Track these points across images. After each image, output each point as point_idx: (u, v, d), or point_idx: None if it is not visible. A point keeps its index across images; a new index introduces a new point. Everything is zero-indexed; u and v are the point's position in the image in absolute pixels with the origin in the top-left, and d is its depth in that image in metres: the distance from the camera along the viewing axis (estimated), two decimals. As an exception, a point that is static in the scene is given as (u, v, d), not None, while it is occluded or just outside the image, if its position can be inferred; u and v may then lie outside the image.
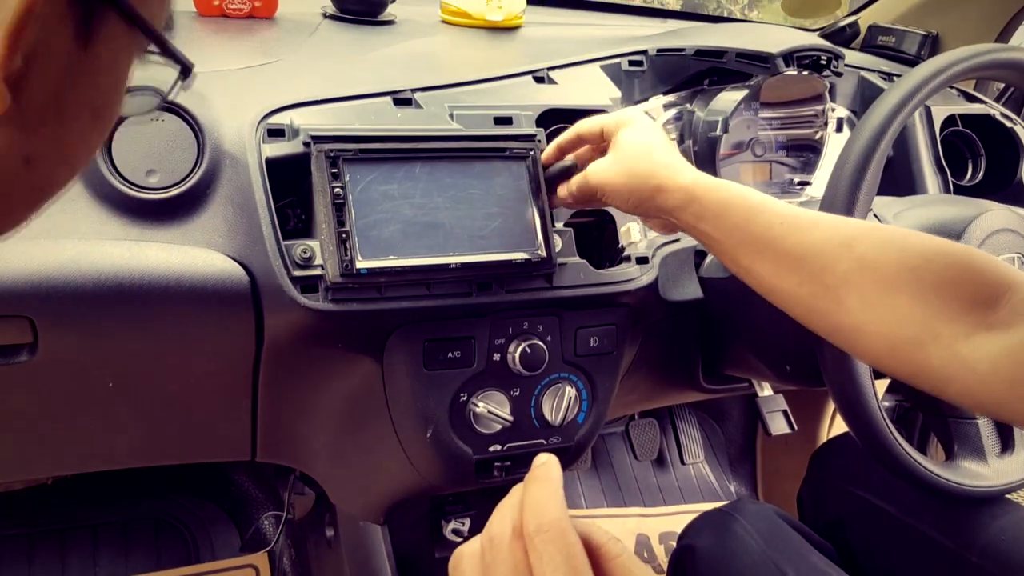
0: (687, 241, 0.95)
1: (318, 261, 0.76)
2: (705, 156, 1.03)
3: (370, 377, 0.85)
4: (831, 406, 1.60)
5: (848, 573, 0.89)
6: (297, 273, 0.75)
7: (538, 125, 0.88)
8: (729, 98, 1.02)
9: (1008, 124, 1.17)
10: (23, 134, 0.28)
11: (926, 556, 0.93)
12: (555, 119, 0.91)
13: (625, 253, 0.92)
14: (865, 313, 0.63)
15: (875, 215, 0.88)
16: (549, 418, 0.89)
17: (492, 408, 0.86)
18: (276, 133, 0.79)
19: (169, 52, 0.34)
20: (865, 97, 1.17)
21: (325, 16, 1.09)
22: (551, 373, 0.89)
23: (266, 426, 0.93)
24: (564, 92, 0.96)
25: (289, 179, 0.78)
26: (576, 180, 0.81)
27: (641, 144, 0.76)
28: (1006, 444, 0.93)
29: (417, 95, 0.88)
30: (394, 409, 0.86)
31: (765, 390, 1.09)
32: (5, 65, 0.26)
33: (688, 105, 1.06)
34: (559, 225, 0.87)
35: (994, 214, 0.88)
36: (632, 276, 0.90)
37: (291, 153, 0.77)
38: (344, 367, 0.86)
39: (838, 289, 0.64)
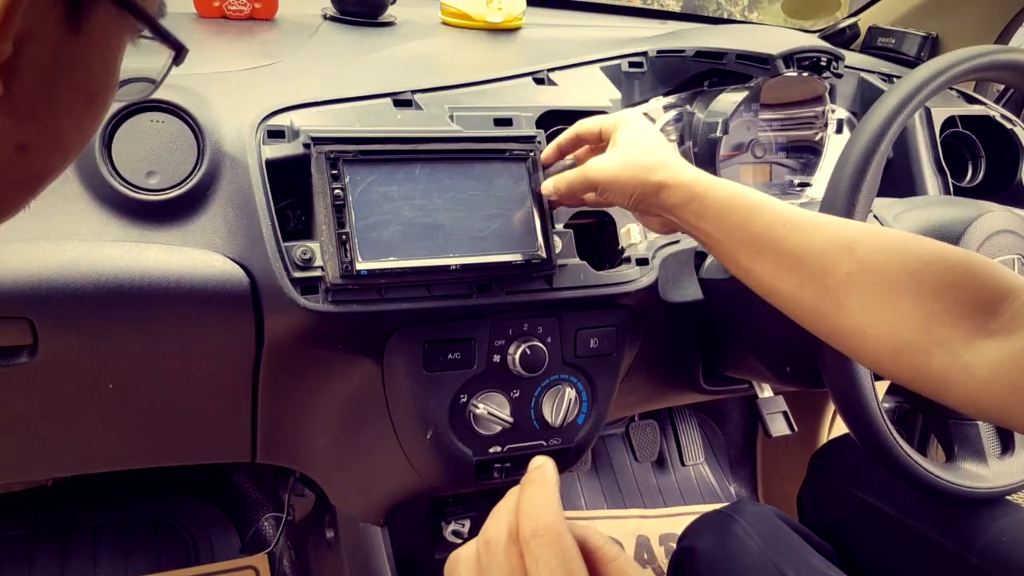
0: (687, 242, 0.95)
1: (318, 262, 0.76)
2: (705, 157, 1.03)
3: (370, 378, 0.85)
4: (831, 407, 1.60)
5: (848, 574, 0.88)
6: (297, 274, 0.75)
7: (538, 126, 0.88)
8: (729, 99, 1.02)
9: (1008, 125, 1.17)
10: (15, 121, 0.28)
11: (926, 557, 0.93)
12: (555, 120, 0.91)
13: (625, 254, 0.92)
14: (865, 316, 0.63)
15: (875, 216, 0.88)
16: (549, 419, 0.89)
17: (492, 409, 0.86)
18: (276, 134, 0.79)
19: (161, 34, 0.34)
20: (865, 98, 1.17)
21: (325, 18, 1.09)
22: (551, 374, 0.89)
23: (266, 427, 0.93)
24: (564, 93, 0.96)
25: (289, 180, 0.78)
26: (573, 175, 0.79)
27: (642, 141, 0.76)
28: (1006, 446, 0.93)
29: (417, 96, 0.88)
30: (394, 410, 0.86)
31: (765, 391, 1.08)
32: None
33: (688, 106, 1.06)
34: (559, 226, 0.87)
35: (994, 215, 0.88)
36: (632, 277, 0.90)
37: (291, 154, 0.77)
38: (344, 368, 0.86)
39: (838, 291, 0.64)
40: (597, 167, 0.77)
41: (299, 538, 1.48)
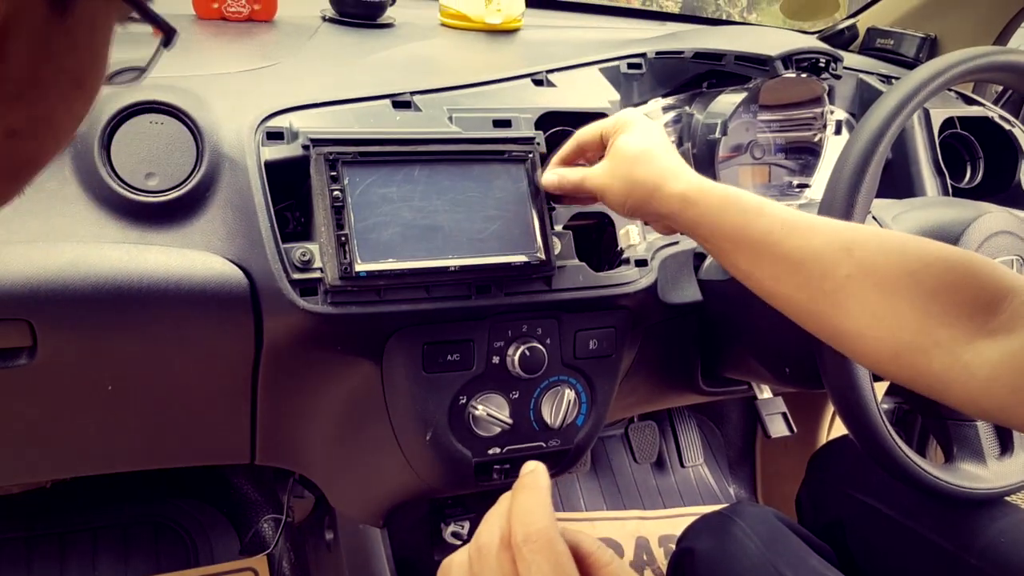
0: (686, 243, 0.95)
1: (317, 264, 0.76)
2: (704, 159, 1.03)
3: (369, 380, 0.85)
4: (830, 408, 1.60)
5: (847, 576, 0.89)
6: (296, 276, 0.75)
7: (537, 128, 0.88)
8: (728, 100, 1.03)
9: (1006, 126, 1.17)
10: (3, 106, 0.27)
11: (925, 558, 0.93)
12: (554, 122, 0.91)
13: (624, 256, 0.92)
14: (865, 318, 0.63)
15: (874, 217, 0.88)
16: (548, 421, 0.89)
17: (491, 411, 0.86)
18: (275, 136, 0.79)
19: (150, 16, 0.34)
20: (864, 100, 1.17)
21: (324, 19, 1.09)
22: (550, 376, 0.89)
23: (265, 429, 0.93)
24: (563, 95, 0.96)
25: (288, 182, 0.78)
26: (573, 179, 0.80)
27: (637, 149, 0.75)
28: (1005, 446, 0.93)
29: (416, 98, 0.88)
30: (393, 412, 0.86)
31: (764, 392, 1.08)
32: None
33: (687, 108, 1.06)
34: (558, 228, 0.87)
35: (993, 216, 0.88)
36: (631, 279, 0.90)
37: (290, 156, 0.77)
38: (343, 370, 0.86)
39: (837, 294, 0.64)
40: (593, 177, 0.78)
41: (298, 540, 1.48)
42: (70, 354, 0.76)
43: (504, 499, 0.48)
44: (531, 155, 0.84)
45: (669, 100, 1.07)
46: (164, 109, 0.76)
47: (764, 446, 1.83)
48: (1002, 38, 1.36)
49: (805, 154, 1.11)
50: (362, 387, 0.87)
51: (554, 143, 0.88)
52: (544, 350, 0.87)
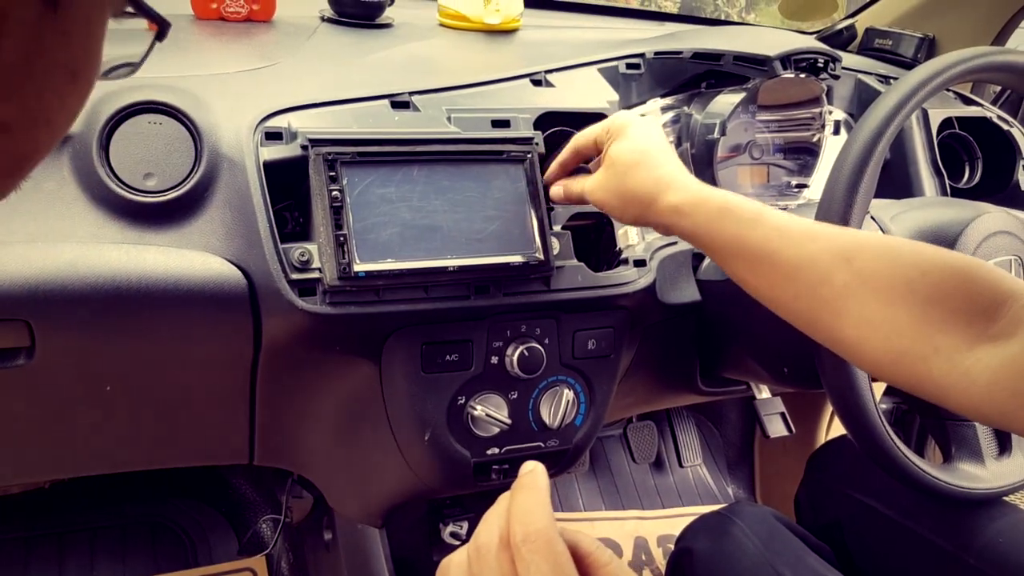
0: (685, 244, 0.95)
1: (316, 264, 0.76)
2: (703, 159, 1.03)
3: (368, 380, 0.85)
4: (829, 409, 1.60)
5: (846, 576, 0.89)
6: (295, 276, 0.75)
7: (536, 128, 0.88)
8: (726, 101, 1.03)
9: (1004, 127, 1.17)
10: None
11: (924, 558, 0.93)
12: (553, 122, 0.91)
13: (623, 256, 0.92)
14: (863, 325, 0.63)
15: (872, 217, 0.88)
16: (547, 421, 0.89)
17: (490, 411, 0.86)
18: (274, 136, 0.79)
19: (144, 9, 0.34)
20: (862, 100, 1.18)
21: (323, 19, 1.09)
22: (549, 376, 0.89)
23: (264, 429, 0.93)
24: (562, 95, 0.96)
25: (287, 182, 0.78)
26: (576, 190, 0.81)
27: (629, 160, 0.75)
28: (1003, 446, 0.93)
29: (415, 98, 0.88)
30: (392, 412, 0.86)
31: (763, 393, 1.09)
32: None
33: (686, 108, 1.06)
34: (557, 228, 0.87)
35: (991, 216, 0.88)
36: (630, 279, 0.90)
37: (289, 156, 0.77)
38: (342, 370, 0.86)
39: (836, 301, 0.64)
40: (592, 190, 0.79)
41: (297, 540, 1.48)
42: (69, 354, 0.76)
43: (503, 499, 0.48)
44: (530, 155, 0.84)
45: (668, 100, 1.07)
46: (163, 109, 0.76)
47: (763, 446, 1.83)
48: (1000, 38, 1.36)
49: (804, 154, 1.11)
50: (361, 387, 0.87)
51: (553, 143, 0.88)
52: (543, 350, 0.87)
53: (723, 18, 4.93)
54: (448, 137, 0.82)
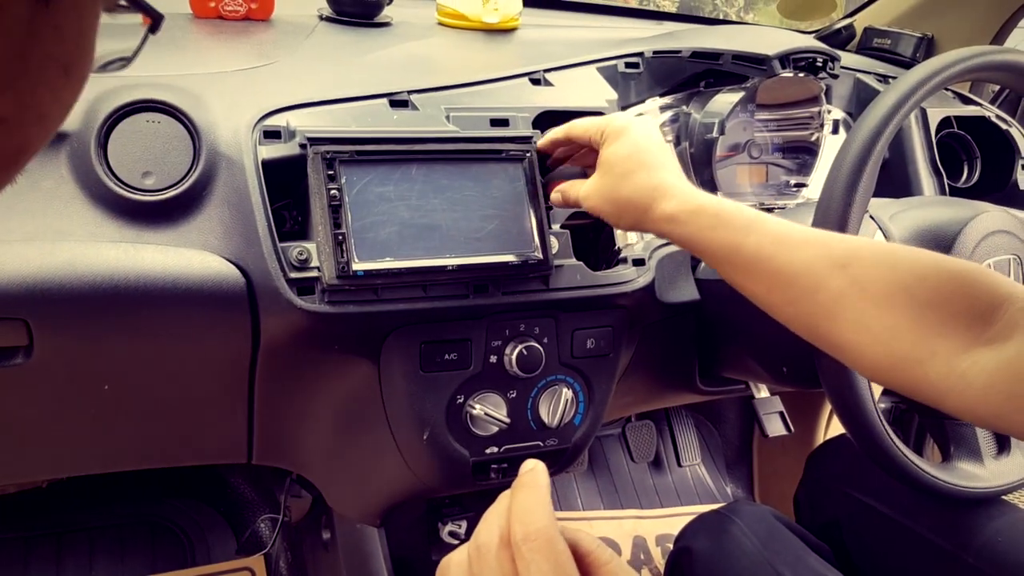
0: (683, 243, 0.95)
1: (314, 263, 0.75)
2: (701, 158, 1.03)
3: (367, 379, 0.85)
4: (827, 408, 1.60)
5: (845, 575, 0.89)
6: (293, 275, 0.75)
7: (534, 127, 0.88)
8: (725, 100, 1.03)
9: (1003, 126, 1.17)
10: None
11: (923, 558, 0.93)
12: (551, 121, 0.91)
13: (622, 255, 0.92)
14: (860, 330, 0.63)
15: (871, 217, 0.88)
16: (546, 420, 0.89)
17: (489, 410, 0.86)
18: (272, 135, 0.79)
19: (136, 2, 0.34)
20: (861, 99, 1.18)
21: (321, 18, 1.09)
22: (548, 375, 0.89)
23: (262, 428, 0.93)
24: (560, 94, 0.96)
25: (285, 181, 0.78)
26: (573, 197, 0.81)
27: (624, 167, 0.75)
28: (1002, 446, 0.93)
29: (413, 97, 0.88)
30: (391, 411, 0.86)
31: (762, 392, 1.08)
32: None
33: (684, 107, 1.06)
34: (556, 227, 0.87)
35: (990, 215, 0.88)
36: (629, 278, 0.90)
37: (287, 155, 0.77)
38: (340, 369, 0.85)
39: (832, 307, 0.64)
40: (586, 196, 0.79)
41: (295, 539, 1.48)
42: (67, 353, 0.76)
43: (503, 498, 0.48)
44: (528, 154, 0.84)
45: (666, 99, 1.07)
46: (161, 108, 0.76)
47: (761, 445, 1.83)
48: (999, 38, 1.37)
49: (802, 153, 1.11)
50: (359, 386, 0.87)
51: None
52: (542, 349, 0.86)
53: (722, 17, 4.93)
54: (447, 136, 0.82)
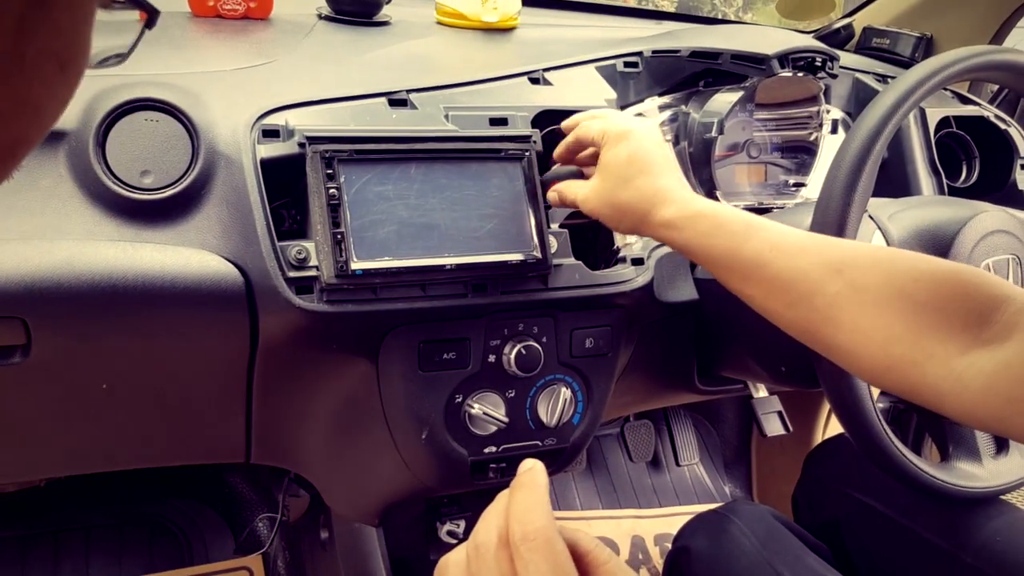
0: (682, 242, 0.95)
1: (313, 262, 0.75)
2: (700, 158, 1.03)
3: (365, 379, 0.85)
4: (826, 407, 1.60)
5: (843, 574, 0.89)
6: (292, 274, 0.75)
7: (533, 126, 0.88)
8: (724, 99, 1.02)
9: (1002, 126, 1.17)
10: None
11: (921, 557, 0.93)
12: (550, 120, 0.91)
13: (620, 254, 0.92)
14: (857, 334, 0.63)
15: (870, 216, 0.88)
16: (544, 420, 0.89)
17: (487, 409, 0.85)
18: (271, 134, 0.78)
19: None
20: (860, 99, 1.18)
21: (320, 17, 1.09)
22: (546, 374, 0.89)
23: (260, 428, 0.93)
24: (560, 93, 0.96)
25: (284, 180, 0.78)
26: (570, 197, 0.81)
27: (623, 172, 0.75)
28: (1001, 446, 0.93)
29: (412, 96, 0.87)
30: (389, 411, 0.86)
31: (760, 391, 1.09)
32: None
33: (683, 106, 1.06)
34: (554, 226, 0.87)
35: (989, 215, 0.88)
36: (627, 277, 0.90)
37: (286, 154, 0.77)
38: (339, 369, 0.85)
39: (829, 311, 0.64)
40: (585, 199, 0.79)
41: (293, 539, 1.48)
42: (65, 352, 0.75)
43: (502, 497, 0.48)
44: (527, 153, 0.84)
45: (665, 99, 1.07)
46: (159, 107, 0.76)
47: (760, 445, 1.83)
48: (998, 37, 1.37)
49: (801, 153, 1.11)
50: (358, 386, 0.87)
51: (551, 141, 0.87)
52: (540, 349, 0.86)
53: (720, 17, 4.93)
54: (446, 135, 0.82)
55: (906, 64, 1.37)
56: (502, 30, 1.17)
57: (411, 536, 1.13)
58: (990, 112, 1.18)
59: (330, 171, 0.75)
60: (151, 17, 0.36)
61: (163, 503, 1.50)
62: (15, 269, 0.68)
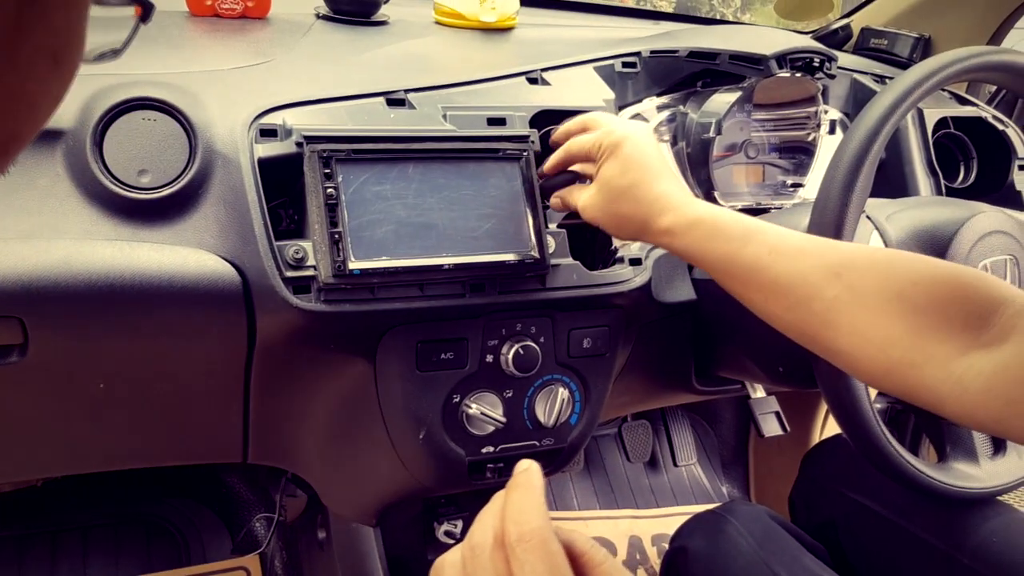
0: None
1: (310, 262, 0.75)
2: (698, 158, 1.03)
3: (363, 378, 0.85)
4: (824, 407, 1.60)
5: (840, 575, 0.89)
6: (289, 274, 0.75)
7: (531, 126, 0.88)
8: (722, 100, 1.03)
9: (1000, 127, 1.17)
10: None
11: (918, 558, 0.93)
12: (548, 120, 0.91)
13: (618, 255, 0.92)
14: (856, 337, 0.63)
15: (868, 217, 0.88)
16: (542, 420, 0.89)
17: (485, 409, 0.85)
18: (269, 133, 0.78)
19: None
20: (858, 99, 1.18)
21: (318, 16, 1.09)
22: (544, 375, 0.89)
23: (258, 428, 0.93)
24: (558, 93, 0.96)
25: (282, 179, 0.78)
26: (571, 203, 0.81)
27: (622, 183, 0.75)
28: (998, 446, 0.93)
29: (410, 96, 0.87)
30: (387, 411, 0.86)
31: (758, 392, 1.09)
32: None
33: (681, 107, 1.06)
34: (552, 226, 0.87)
35: (986, 216, 0.88)
36: (625, 277, 0.90)
37: (284, 153, 0.77)
38: (336, 368, 0.85)
39: (827, 314, 0.65)
40: (585, 208, 0.79)
41: (291, 539, 1.48)
42: (62, 352, 0.75)
43: (498, 498, 0.48)
44: (525, 153, 0.84)
45: (663, 99, 1.07)
46: (157, 106, 0.76)
47: (757, 445, 1.83)
48: (996, 38, 1.37)
49: (799, 153, 1.11)
50: (355, 386, 0.86)
51: (548, 141, 0.87)
52: (538, 349, 0.86)
53: (718, 17, 4.93)
54: (444, 135, 0.82)
55: (904, 65, 1.37)
56: (500, 30, 1.17)
57: (408, 536, 1.13)
58: (988, 113, 1.18)
59: (328, 171, 0.75)
60: (146, 11, 0.36)
61: (160, 503, 1.50)
62: (12, 268, 0.68)
